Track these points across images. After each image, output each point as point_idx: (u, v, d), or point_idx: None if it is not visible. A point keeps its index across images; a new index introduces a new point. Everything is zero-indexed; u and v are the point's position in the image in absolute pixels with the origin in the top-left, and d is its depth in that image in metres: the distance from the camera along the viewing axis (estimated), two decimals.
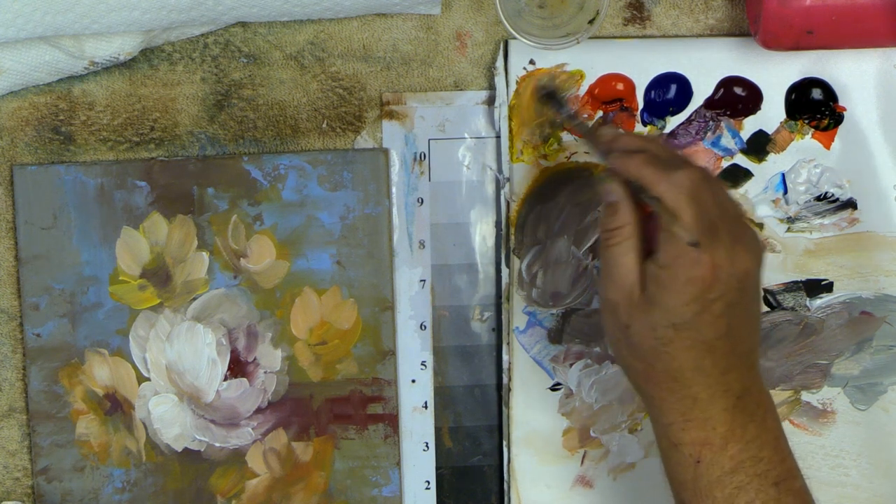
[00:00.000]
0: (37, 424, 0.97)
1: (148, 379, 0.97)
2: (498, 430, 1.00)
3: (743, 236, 0.80)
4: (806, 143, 0.98)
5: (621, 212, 0.81)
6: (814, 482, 1.00)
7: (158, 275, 0.97)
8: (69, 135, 0.96)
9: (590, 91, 0.97)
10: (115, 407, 0.97)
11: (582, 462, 1.00)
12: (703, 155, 0.98)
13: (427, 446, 1.00)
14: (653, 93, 0.97)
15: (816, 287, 0.99)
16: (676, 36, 0.98)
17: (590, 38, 0.93)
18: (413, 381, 0.99)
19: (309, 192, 0.97)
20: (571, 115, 0.94)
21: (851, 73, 0.97)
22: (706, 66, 0.97)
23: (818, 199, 0.98)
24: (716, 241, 0.78)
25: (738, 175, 0.98)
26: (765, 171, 0.98)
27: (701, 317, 0.78)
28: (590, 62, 0.96)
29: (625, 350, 0.81)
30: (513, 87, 0.96)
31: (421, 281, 0.99)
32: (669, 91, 0.97)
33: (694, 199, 0.79)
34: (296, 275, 0.97)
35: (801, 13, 0.90)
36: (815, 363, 1.00)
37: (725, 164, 0.98)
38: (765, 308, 0.99)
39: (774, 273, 0.99)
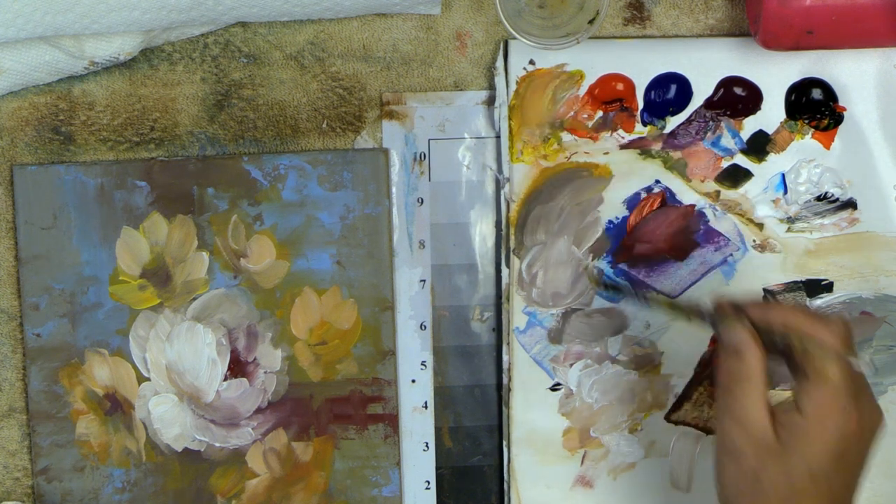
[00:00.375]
0: (37, 424, 0.97)
1: (148, 379, 0.97)
2: (498, 430, 1.00)
3: (870, 391, 0.81)
4: (806, 143, 0.98)
5: (752, 357, 0.79)
6: None
7: (158, 275, 0.97)
8: (69, 135, 0.96)
9: (590, 91, 0.97)
10: (115, 407, 0.97)
11: (582, 462, 1.00)
12: (704, 155, 0.98)
13: (427, 446, 1.00)
14: (653, 93, 0.97)
15: (816, 287, 0.99)
16: (676, 36, 0.98)
17: (590, 38, 0.93)
18: (413, 381, 0.99)
19: (309, 192, 0.97)
20: (706, 315, 0.87)
21: (851, 73, 0.97)
22: (706, 66, 0.97)
23: (818, 199, 0.98)
24: (861, 394, 0.78)
25: (738, 175, 0.98)
26: (765, 171, 0.98)
27: (838, 468, 0.77)
28: (590, 62, 0.96)
29: (747, 498, 0.79)
30: (513, 87, 0.96)
31: (421, 281, 0.99)
32: (669, 91, 0.97)
33: (850, 349, 0.79)
34: (296, 275, 0.97)
35: (801, 13, 0.90)
36: None
37: (725, 164, 0.98)
38: None
39: (774, 273, 0.99)
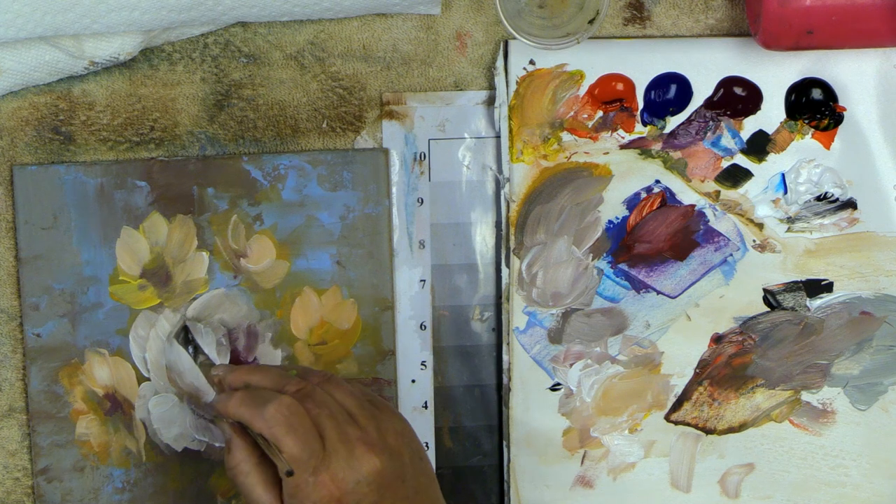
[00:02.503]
0: (37, 424, 0.97)
1: (148, 379, 0.97)
2: (498, 430, 1.00)
3: (367, 435, 0.82)
4: (806, 143, 0.98)
5: (234, 449, 0.84)
6: (814, 482, 1.00)
7: (158, 275, 0.97)
8: (69, 135, 0.96)
9: (590, 91, 0.97)
10: (115, 407, 0.97)
11: (582, 462, 1.00)
12: (704, 155, 0.98)
13: (427, 446, 1.00)
14: (653, 93, 0.97)
15: (816, 287, 0.99)
16: (676, 36, 0.98)
17: (590, 38, 0.93)
18: (413, 381, 0.99)
19: (309, 192, 0.97)
20: (197, 356, 0.95)
21: (851, 73, 0.97)
22: (706, 66, 0.97)
23: (818, 199, 0.98)
24: (329, 458, 0.81)
25: (738, 175, 0.98)
26: (765, 171, 0.98)
27: None
28: (590, 62, 0.96)
29: None
30: (513, 87, 0.96)
31: (421, 281, 0.99)
32: (669, 91, 0.97)
33: (290, 427, 0.81)
34: (296, 275, 0.97)
35: (801, 13, 0.90)
36: (815, 363, 1.00)
37: (725, 164, 0.98)
38: (765, 308, 0.99)
39: (774, 273, 0.99)
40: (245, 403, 0.83)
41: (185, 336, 0.95)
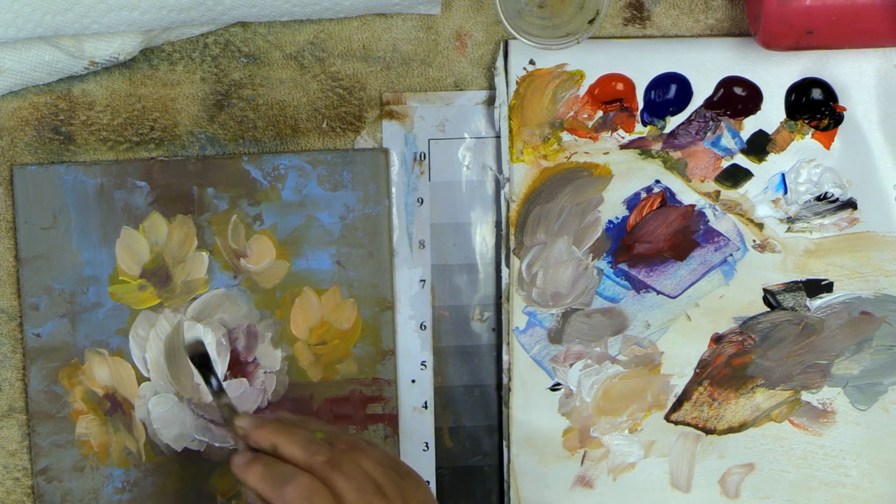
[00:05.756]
0: (37, 424, 0.97)
1: (148, 379, 0.97)
2: (498, 430, 1.00)
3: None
4: (806, 143, 0.98)
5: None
6: (814, 482, 1.00)
7: (158, 275, 0.97)
8: (69, 135, 0.96)
9: (590, 91, 0.97)
10: (114, 407, 0.97)
11: (582, 462, 1.00)
12: (704, 155, 0.98)
13: (427, 446, 1.00)
14: (653, 93, 0.97)
15: (816, 287, 0.99)
16: (676, 36, 0.98)
17: (590, 38, 0.93)
18: (413, 381, 0.99)
19: (309, 192, 0.97)
20: (219, 392, 0.87)
21: (851, 73, 0.97)
22: (706, 66, 0.97)
23: (818, 199, 0.98)
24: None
25: (738, 175, 0.98)
26: (765, 171, 0.98)
27: None
28: (590, 62, 0.96)
29: None
30: (513, 87, 0.96)
31: (421, 281, 0.99)
32: (669, 91, 0.97)
33: (310, 449, 0.81)
34: (296, 275, 0.97)
35: (801, 13, 0.90)
36: (815, 363, 1.00)
37: (725, 164, 0.98)
38: (765, 308, 0.99)
39: (774, 273, 0.99)
40: (265, 480, 0.82)
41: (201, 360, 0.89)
